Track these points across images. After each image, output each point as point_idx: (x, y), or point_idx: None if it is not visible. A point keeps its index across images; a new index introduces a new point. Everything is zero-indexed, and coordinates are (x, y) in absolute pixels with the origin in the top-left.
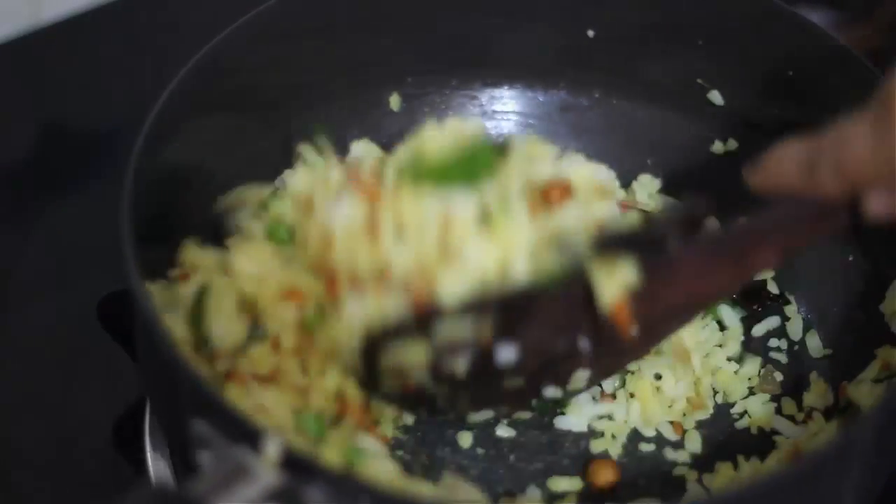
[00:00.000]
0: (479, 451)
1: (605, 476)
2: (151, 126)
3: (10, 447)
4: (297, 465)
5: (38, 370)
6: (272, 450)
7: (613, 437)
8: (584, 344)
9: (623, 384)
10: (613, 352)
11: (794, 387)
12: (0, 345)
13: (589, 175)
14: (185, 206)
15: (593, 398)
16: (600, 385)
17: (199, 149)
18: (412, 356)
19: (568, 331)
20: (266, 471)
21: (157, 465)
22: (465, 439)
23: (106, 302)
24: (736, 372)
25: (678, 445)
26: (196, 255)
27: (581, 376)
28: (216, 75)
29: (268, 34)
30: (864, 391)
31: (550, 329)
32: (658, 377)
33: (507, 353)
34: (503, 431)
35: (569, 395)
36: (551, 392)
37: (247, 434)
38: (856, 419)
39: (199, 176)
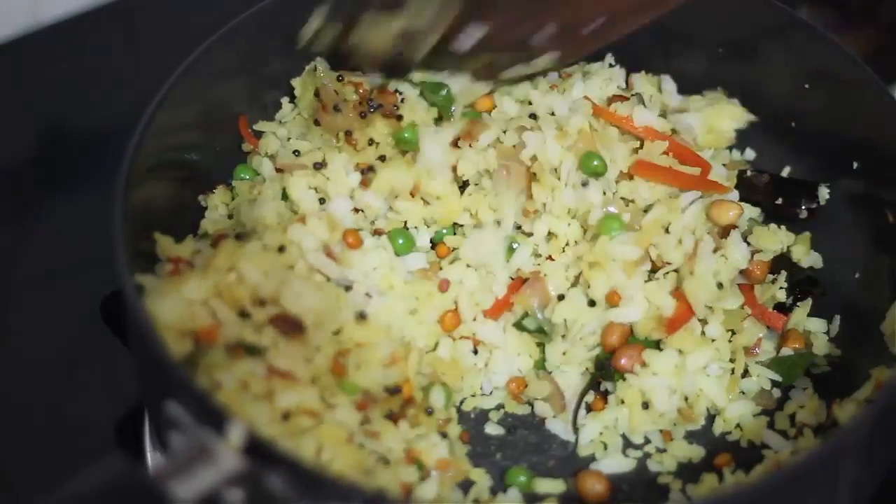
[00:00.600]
0: (466, 447)
1: (594, 488)
2: (145, 125)
3: (10, 447)
4: (260, 452)
5: (38, 370)
6: (236, 435)
7: (602, 442)
8: (550, 30)
9: (614, 390)
10: (578, 38)
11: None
12: (0, 345)
13: None
14: (179, 202)
15: (585, 403)
16: (594, 389)
17: (193, 146)
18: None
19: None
20: (228, 456)
21: (157, 465)
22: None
23: (109, 300)
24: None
25: (665, 454)
26: (170, 248)
27: (547, 59)
28: (207, 77)
29: (256, 36)
30: (850, 410)
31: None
32: (645, 405)
33: (471, 38)
34: (492, 429)
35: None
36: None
37: (213, 418)
38: (835, 433)
39: (192, 173)
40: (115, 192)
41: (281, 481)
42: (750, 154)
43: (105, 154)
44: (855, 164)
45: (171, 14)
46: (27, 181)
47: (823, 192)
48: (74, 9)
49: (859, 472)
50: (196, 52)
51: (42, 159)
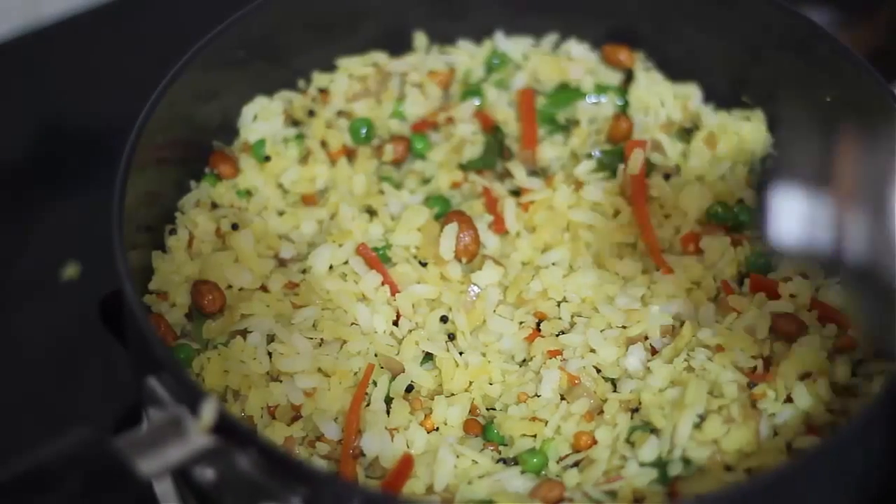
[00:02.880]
0: None
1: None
2: (143, 120)
3: (9, 447)
4: (230, 432)
5: (38, 370)
6: (207, 414)
7: None
8: None
9: None
10: None
11: None
12: (0, 345)
13: None
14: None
15: None
16: None
17: (193, 141)
18: None
19: None
20: (198, 434)
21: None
22: None
23: (107, 300)
24: None
25: None
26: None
27: None
28: (206, 71)
29: (253, 33)
30: None
31: None
32: None
33: None
34: None
35: None
36: None
37: (187, 396)
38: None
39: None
40: (116, 178)
41: (248, 460)
42: (770, 164)
43: (105, 154)
44: None
45: (171, 14)
46: (27, 181)
47: None
48: (74, 9)
49: (862, 468)
50: (195, 46)
51: (42, 159)
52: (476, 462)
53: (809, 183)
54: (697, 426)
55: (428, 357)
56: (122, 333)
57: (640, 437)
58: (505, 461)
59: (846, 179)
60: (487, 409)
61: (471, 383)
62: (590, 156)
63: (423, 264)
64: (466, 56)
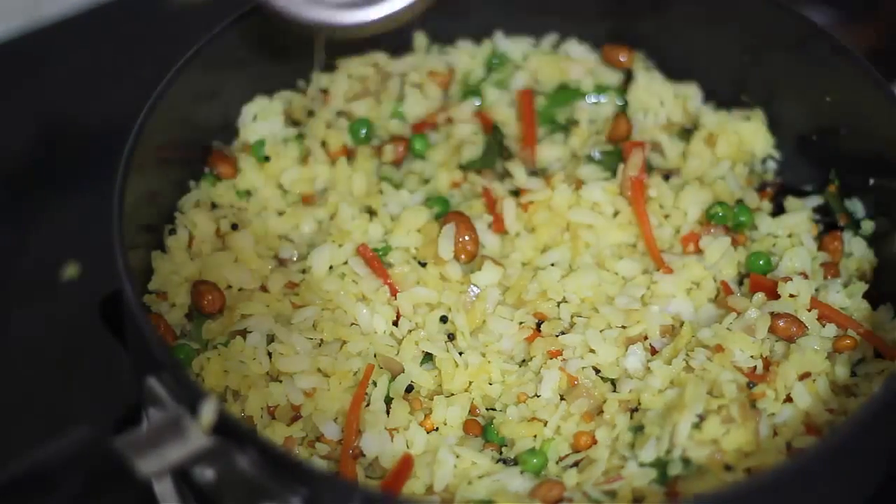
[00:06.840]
0: None
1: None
2: (143, 119)
3: (9, 447)
4: (230, 432)
5: (38, 370)
6: (207, 414)
7: None
8: None
9: None
10: None
11: None
12: (0, 345)
13: None
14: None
15: None
16: None
17: (193, 140)
18: None
19: None
20: (198, 434)
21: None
22: None
23: (107, 300)
24: None
25: None
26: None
27: None
28: (206, 71)
29: (253, 33)
30: None
31: None
32: None
33: None
34: None
35: None
36: None
37: (187, 396)
38: (834, 430)
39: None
40: (116, 178)
41: (247, 460)
42: (771, 164)
43: (105, 154)
44: (871, 181)
45: (171, 14)
46: (27, 181)
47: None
48: (74, 8)
49: (861, 468)
50: (195, 46)
51: (42, 159)
52: (476, 462)
53: None
54: (697, 426)
55: (428, 357)
56: (122, 333)
57: (639, 437)
58: (505, 461)
59: None
60: (487, 410)
61: (470, 383)
62: (589, 156)
63: (423, 265)
64: (466, 56)
